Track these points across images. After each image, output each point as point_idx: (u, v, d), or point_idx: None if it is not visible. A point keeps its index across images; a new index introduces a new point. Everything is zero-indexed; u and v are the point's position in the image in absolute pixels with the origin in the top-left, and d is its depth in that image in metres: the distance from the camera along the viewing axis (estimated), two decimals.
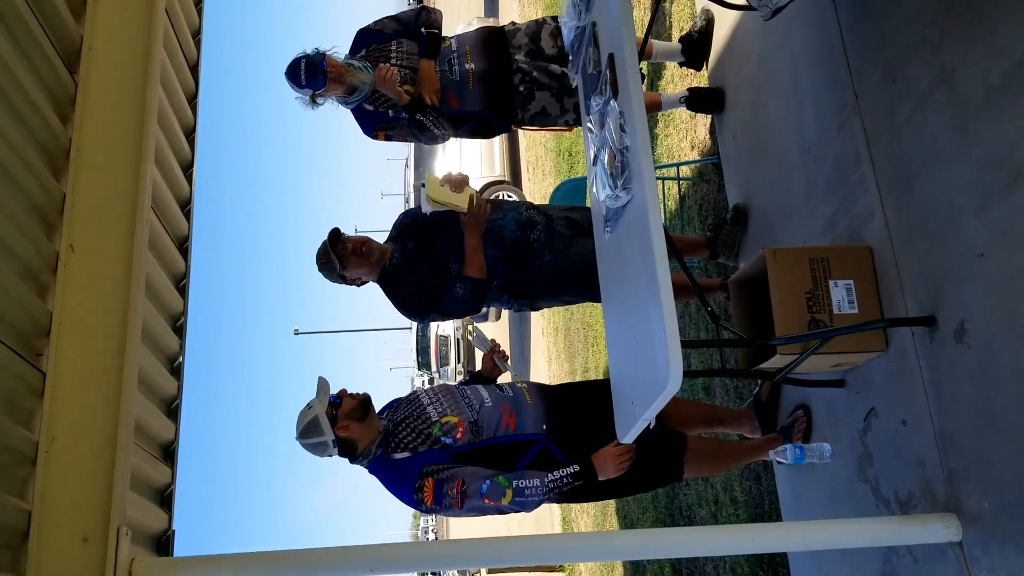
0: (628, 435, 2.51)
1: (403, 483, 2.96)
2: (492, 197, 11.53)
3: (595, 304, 3.62)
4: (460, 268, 3.35)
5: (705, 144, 4.53)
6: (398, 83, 3.55)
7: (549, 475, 2.93)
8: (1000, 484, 2.28)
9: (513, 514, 3.14)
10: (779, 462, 3.08)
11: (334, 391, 3.08)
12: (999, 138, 2.22)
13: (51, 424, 2.28)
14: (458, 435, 2.98)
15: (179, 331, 3.26)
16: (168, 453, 2.97)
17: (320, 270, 3.43)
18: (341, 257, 3.34)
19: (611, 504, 6.80)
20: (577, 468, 2.94)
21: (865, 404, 2.87)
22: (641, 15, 5.74)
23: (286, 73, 3.55)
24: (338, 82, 3.52)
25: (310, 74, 3.48)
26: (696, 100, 4.16)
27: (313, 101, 3.58)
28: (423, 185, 3.37)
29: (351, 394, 3.04)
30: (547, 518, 10.68)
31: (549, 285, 3.46)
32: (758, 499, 3.91)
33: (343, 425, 2.95)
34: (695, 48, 4.17)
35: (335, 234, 3.38)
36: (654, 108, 4.36)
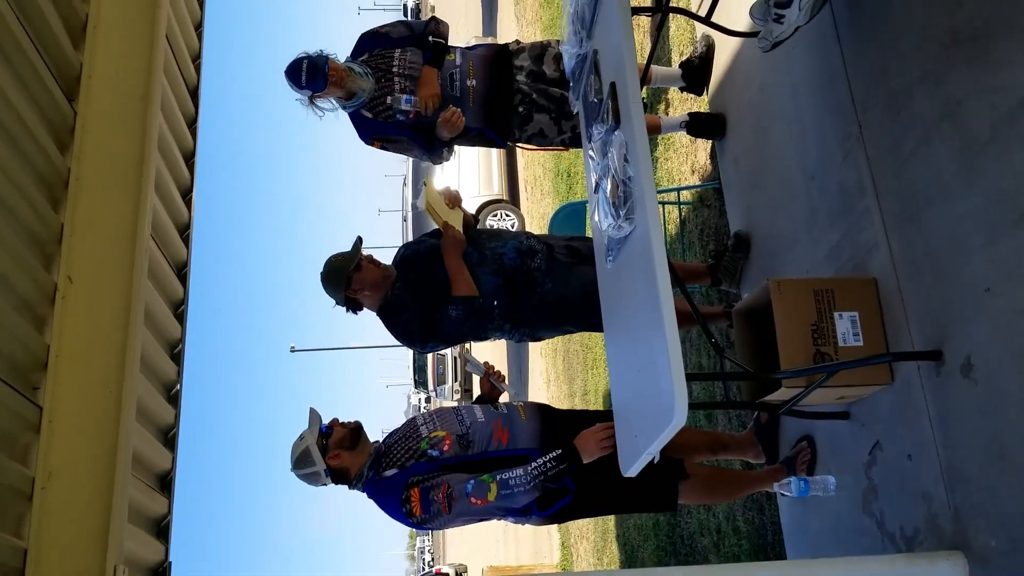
0: (632, 468, 2.48)
1: (392, 498, 2.97)
2: (491, 216, 11.57)
3: None
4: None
5: (706, 169, 4.52)
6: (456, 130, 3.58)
7: (531, 463, 2.92)
8: (1008, 521, 2.25)
9: (509, 524, 3.14)
10: (783, 494, 3.05)
11: (327, 419, 3.14)
12: (1006, 172, 2.20)
13: (48, 459, 2.24)
14: (445, 447, 2.98)
15: (176, 358, 3.23)
16: (165, 483, 2.94)
17: (329, 270, 3.37)
18: (359, 263, 3.33)
19: (611, 531, 6.75)
20: (560, 452, 2.93)
21: (870, 437, 2.85)
22: (641, 39, 5.74)
23: (287, 72, 3.56)
24: (338, 86, 3.53)
25: (311, 75, 3.49)
26: (697, 125, 4.16)
27: (312, 102, 3.58)
28: (424, 184, 3.43)
29: (342, 423, 3.08)
30: (545, 541, 10.62)
31: (550, 314, 3.44)
32: (761, 530, 3.87)
33: (334, 454, 3.02)
34: (696, 73, 4.17)
35: (358, 244, 3.41)
36: (653, 131, 4.36)
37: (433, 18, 3.85)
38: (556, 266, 3.41)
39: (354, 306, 3.42)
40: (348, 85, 3.54)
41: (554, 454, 2.92)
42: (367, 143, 3.81)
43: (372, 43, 3.73)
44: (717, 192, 4.26)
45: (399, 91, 3.60)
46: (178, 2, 3.31)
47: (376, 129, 3.72)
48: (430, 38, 3.69)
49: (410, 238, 10.14)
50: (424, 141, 3.76)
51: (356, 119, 3.72)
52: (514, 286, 3.36)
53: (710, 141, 4.33)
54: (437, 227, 3.43)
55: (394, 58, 3.65)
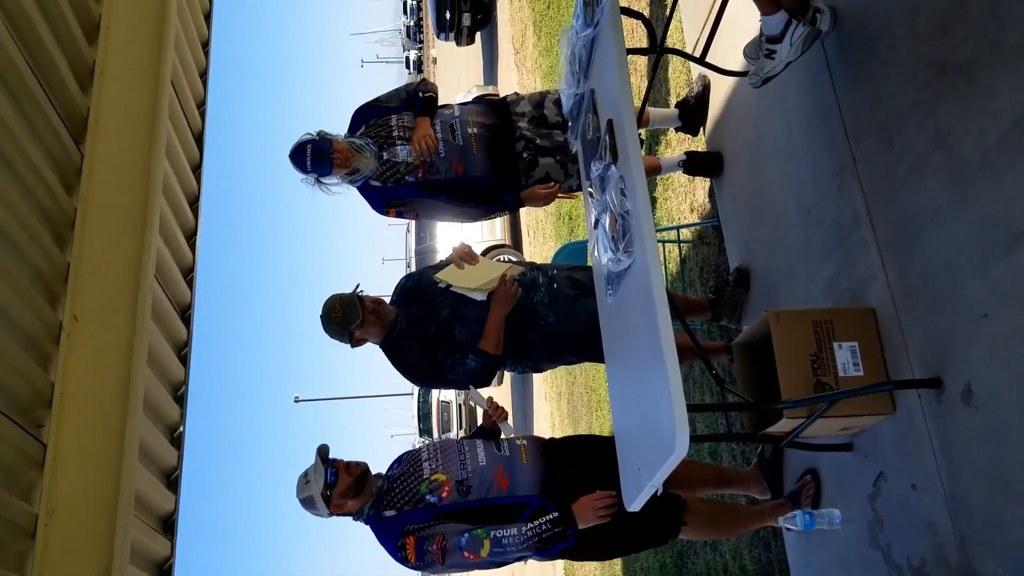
0: (635, 502, 2.48)
1: (389, 541, 2.99)
2: (494, 260, 11.62)
3: (598, 368, 3.59)
4: (466, 333, 3.33)
5: (705, 207, 4.56)
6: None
7: (528, 524, 2.91)
8: (1014, 550, 2.24)
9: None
10: (788, 528, 3.03)
11: (334, 455, 3.12)
12: (998, 198, 2.23)
13: (51, 497, 2.25)
14: (443, 493, 2.98)
15: (180, 400, 3.25)
16: (168, 525, 2.93)
17: (330, 323, 3.34)
18: (362, 320, 3.31)
19: (618, 574, 6.67)
20: (556, 515, 2.92)
21: (874, 468, 2.84)
22: (638, 82, 5.83)
23: (291, 156, 3.52)
24: (344, 166, 3.50)
25: (316, 159, 3.46)
26: (694, 164, 4.19)
27: (318, 182, 3.55)
28: (449, 286, 3.37)
29: (348, 468, 3.05)
30: (550, 570, 10.50)
31: (553, 346, 3.45)
32: (768, 568, 3.84)
33: (337, 504, 3.03)
34: (692, 113, 4.23)
35: (355, 292, 3.38)
36: (654, 172, 4.38)
37: (423, 79, 3.91)
38: (558, 298, 3.43)
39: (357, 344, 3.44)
40: (354, 163, 3.51)
41: (550, 518, 2.92)
42: (382, 213, 3.77)
43: (368, 114, 3.72)
44: (716, 230, 4.29)
45: (395, 145, 3.57)
46: (184, 50, 3.39)
47: (388, 195, 3.68)
48: (420, 94, 3.70)
49: None
50: (441, 201, 3.71)
51: (365, 191, 3.69)
52: (518, 320, 3.38)
53: (708, 179, 4.38)
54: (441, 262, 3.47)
55: (392, 124, 3.65)
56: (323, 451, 3.10)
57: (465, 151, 3.66)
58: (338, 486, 3.01)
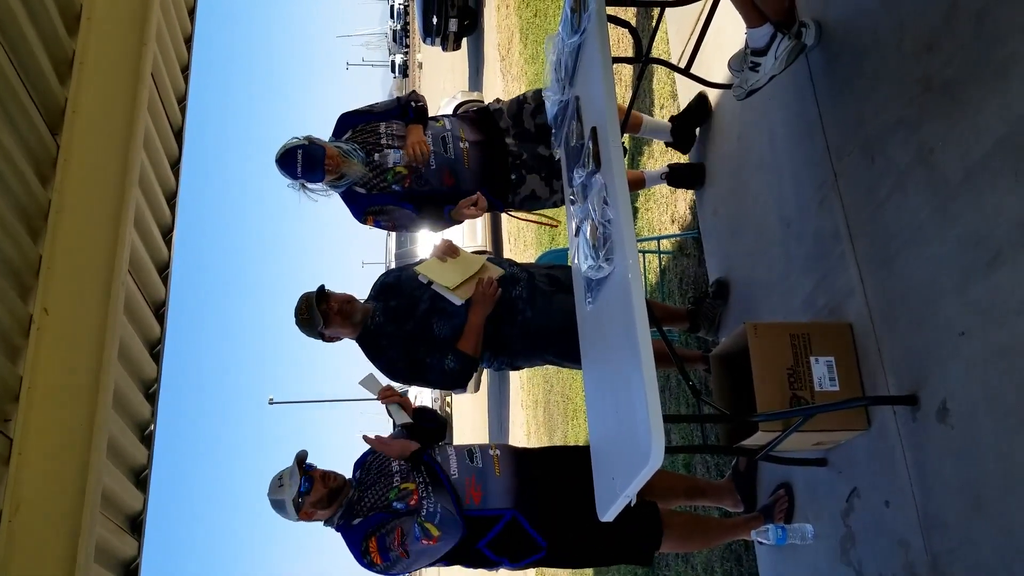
0: (609, 512, 2.46)
1: (355, 547, 2.97)
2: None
3: (575, 376, 3.56)
4: (445, 328, 3.32)
5: (685, 219, 4.57)
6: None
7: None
8: (986, 570, 2.24)
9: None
10: (761, 542, 3.03)
11: (311, 461, 3.10)
12: (979, 217, 2.24)
13: (16, 491, 2.21)
14: (411, 501, 2.95)
15: (151, 398, 3.21)
16: (135, 525, 2.89)
17: (299, 325, 3.37)
18: (325, 315, 3.30)
19: (588, 574, 6.65)
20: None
21: (847, 483, 2.84)
22: (623, 92, 5.84)
23: (280, 161, 3.43)
24: (333, 172, 3.43)
25: (308, 166, 3.37)
26: (677, 176, 4.17)
27: (303, 187, 3.47)
28: (431, 283, 3.35)
29: (324, 479, 3.03)
30: None
31: (531, 342, 3.45)
32: None
33: (307, 512, 3.02)
34: (684, 131, 4.10)
35: (321, 291, 3.35)
36: (638, 186, 4.35)
37: (413, 91, 3.89)
38: (537, 294, 3.43)
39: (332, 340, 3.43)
40: (342, 170, 3.44)
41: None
42: (361, 220, 3.68)
43: (355, 120, 3.66)
44: (696, 241, 4.30)
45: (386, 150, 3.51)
46: (166, 43, 3.35)
47: (370, 202, 3.59)
48: (412, 103, 3.66)
49: None
50: (423, 211, 3.64)
51: (348, 196, 3.61)
52: (496, 314, 3.37)
53: (689, 191, 4.37)
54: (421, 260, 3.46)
55: (380, 131, 3.59)
56: (301, 457, 3.07)
57: (456, 164, 3.63)
58: (311, 495, 2.99)
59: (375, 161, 3.53)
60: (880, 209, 2.64)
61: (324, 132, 3.62)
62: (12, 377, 2.30)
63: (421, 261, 3.57)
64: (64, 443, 2.34)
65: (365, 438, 3.17)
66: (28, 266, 2.41)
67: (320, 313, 3.29)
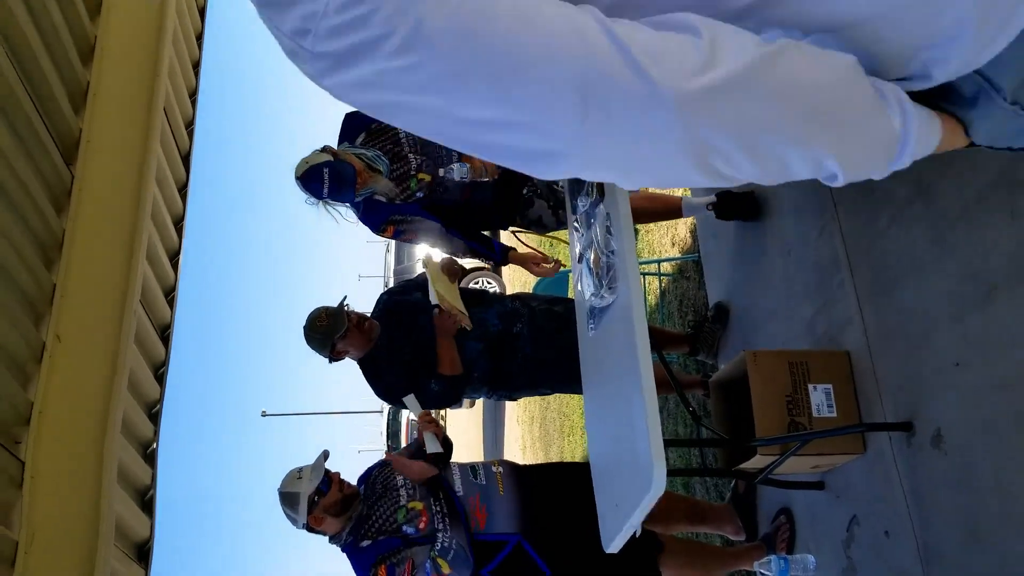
0: (614, 543, 2.49)
1: (362, 571, 2.96)
2: (472, 284, 11.65)
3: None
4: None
5: (686, 242, 4.61)
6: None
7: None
8: None
9: None
10: (763, 574, 3.05)
11: (330, 465, 3.10)
12: (975, 251, 2.29)
13: (31, 518, 2.23)
14: (421, 524, 2.96)
15: (154, 418, 3.23)
16: (142, 553, 2.91)
17: (314, 331, 3.32)
18: (346, 331, 3.33)
19: None
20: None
21: (847, 509, 2.88)
22: None
23: (302, 179, 3.16)
24: (362, 189, 3.25)
25: (337, 185, 3.12)
26: (727, 206, 3.69)
27: (325, 204, 3.24)
28: (425, 264, 3.37)
29: (341, 485, 3.05)
30: None
31: (530, 376, 3.48)
32: None
33: (318, 516, 3.00)
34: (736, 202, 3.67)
35: (342, 304, 3.39)
36: (672, 215, 3.99)
37: None
38: (537, 331, 3.46)
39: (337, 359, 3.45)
40: (370, 185, 3.23)
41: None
42: (378, 230, 3.43)
43: (365, 119, 3.38)
44: (696, 264, 4.34)
45: (452, 161, 3.33)
46: (175, 72, 3.40)
47: (392, 211, 3.37)
48: None
49: None
50: (438, 222, 3.46)
51: (368, 206, 3.37)
52: (496, 351, 3.40)
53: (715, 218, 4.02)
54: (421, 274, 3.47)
55: (400, 135, 3.36)
56: (326, 455, 3.08)
57: (478, 176, 3.49)
58: (327, 497, 2.99)
59: (442, 175, 3.38)
60: (879, 240, 2.69)
61: (325, 138, 3.56)
62: (23, 402, 2.34)
63: (423, 275, 3.53)
64: (74, 468, 2.37)
65: (387, 456, 3.21)
66: (42, 294, 2.45)
67: (338, 339, 3.31)
